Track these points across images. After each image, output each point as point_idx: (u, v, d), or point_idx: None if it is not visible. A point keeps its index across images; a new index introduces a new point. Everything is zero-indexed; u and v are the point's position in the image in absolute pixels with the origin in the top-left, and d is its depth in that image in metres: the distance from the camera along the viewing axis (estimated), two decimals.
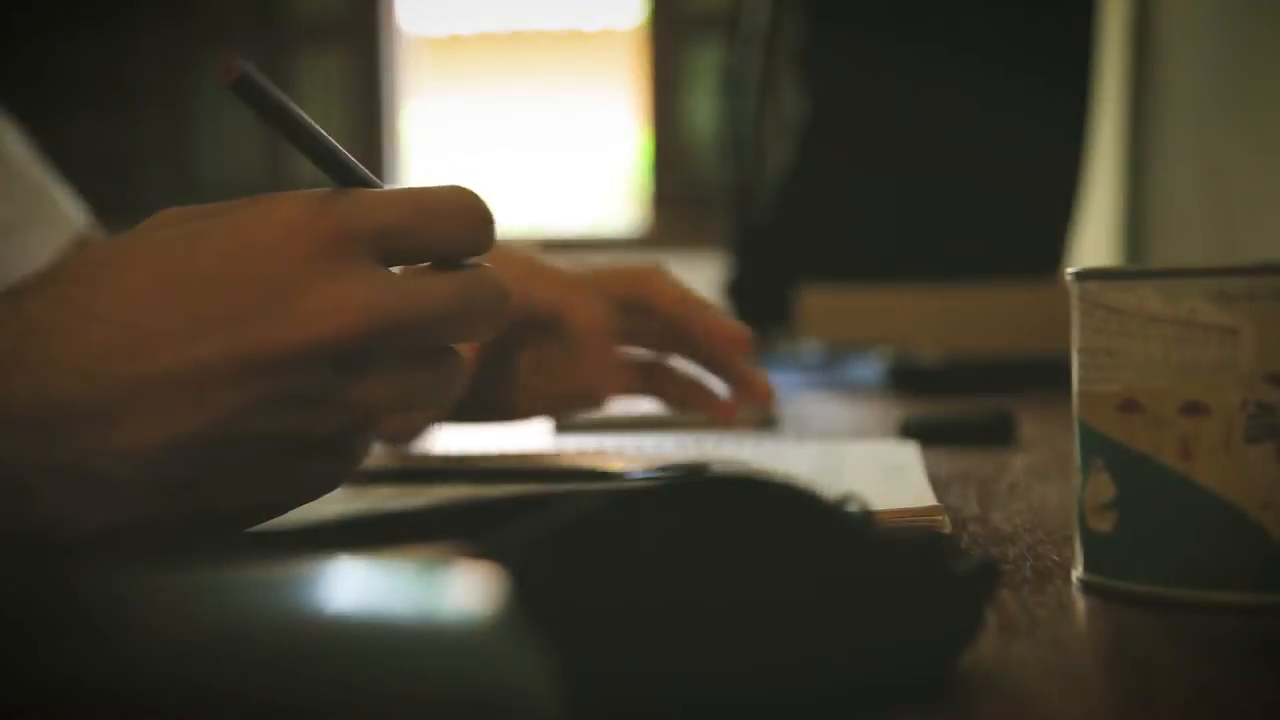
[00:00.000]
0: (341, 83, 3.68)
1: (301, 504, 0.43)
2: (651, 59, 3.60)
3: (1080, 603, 0.43)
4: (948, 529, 0.52)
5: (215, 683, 0.22)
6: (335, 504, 0.54)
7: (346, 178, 0.42)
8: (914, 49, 1.61)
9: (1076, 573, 0.46)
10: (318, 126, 0.41)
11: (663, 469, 0.64)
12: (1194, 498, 0.41)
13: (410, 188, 0.41)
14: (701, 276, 3.00)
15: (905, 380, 1.27)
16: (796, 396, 1.25)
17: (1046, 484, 0.68)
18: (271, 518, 0.43)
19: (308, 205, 0.39)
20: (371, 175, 0.43)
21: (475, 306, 0.41)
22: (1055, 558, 0.50)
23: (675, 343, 0.71)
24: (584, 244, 3.55)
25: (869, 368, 1.41)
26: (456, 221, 0.41)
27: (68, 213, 0.92)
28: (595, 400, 0.67)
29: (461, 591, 0.25)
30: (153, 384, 0.37)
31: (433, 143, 3.86)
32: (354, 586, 0.26)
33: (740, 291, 1.73)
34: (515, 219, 3.77)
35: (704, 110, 3.51)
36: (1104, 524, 0.44)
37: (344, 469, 0.42)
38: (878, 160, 1.62)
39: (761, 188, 1.74)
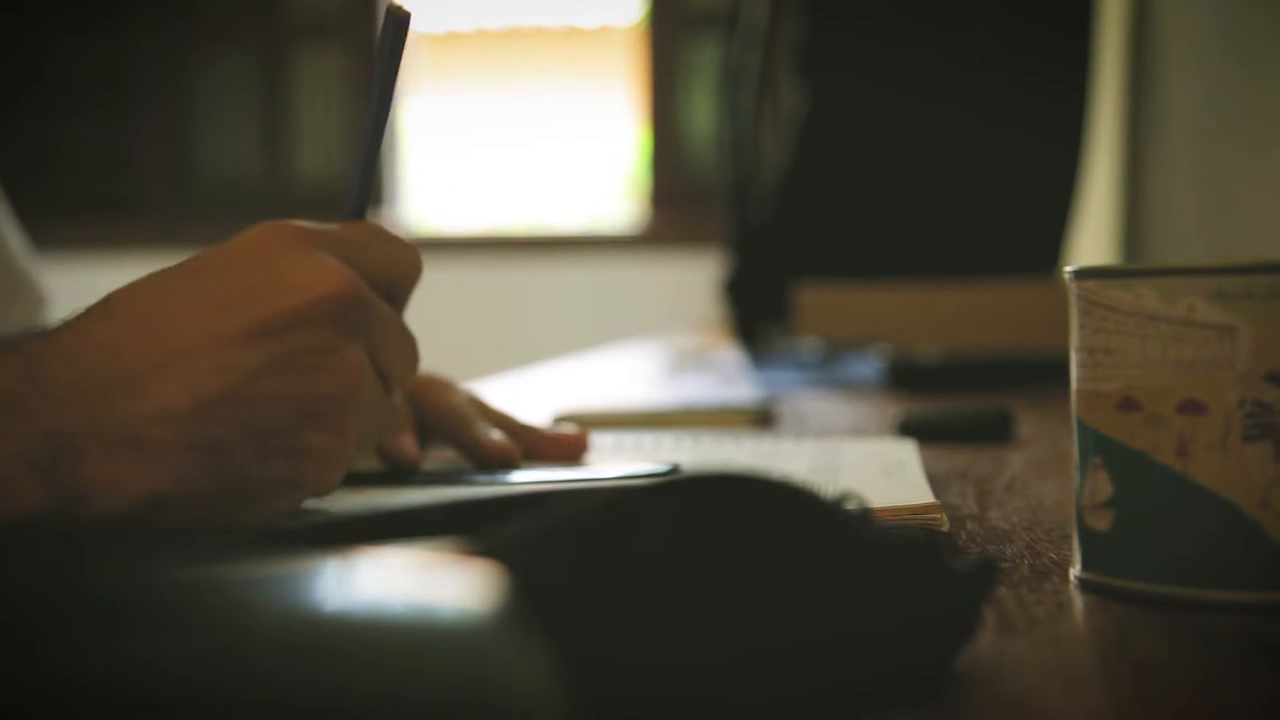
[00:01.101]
0: (340, 79, 3.68)
1: (316, 484, 0.47)
2: (650, 56, 3.60)
3: (1078, 601, 0.43)
4: (945, 527, 0.52)
5: (213, 681, 0.22)
6: (335, 501, 0.54)
7: (373, 146, 0.52)
8: (913, 47, 1.61)
9: (1074, 571, 0.46)
10: (390, 112, 0.53)
11: (641, 470, 0.64)
12: (1192, 496, 0.41)
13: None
14: (699, 275, 3.01)
15: (903, 378, 1.27)
16: (794, 395, 1.25)
17: (1044, 482, 0.68)
18: (293, 499, 0.47)
19: (275, 221, 0.48)
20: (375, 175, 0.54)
21: (405, 331, 0.51)
22: (1053, 556, 0.50)
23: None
24: (582, 241, 3.55)
25: (867, 366, 1.41)
26: (397, 247, 0.51)
27: (40, 291, 0.91)
28: (395, 459, 0.68)
29: (461, 590, 0.25)
30: (174, 354, 0.43)
31: (431, 140, 3.86)
32: (353, 584, 0.26)
33: (738, 289, 1.73)
34: (514, 216, 3.77)
35: (702, 108, 3.51)
36: (1102, 522, 0.44)
37: (344, 445, 0.47)
38: (876, 158, 1.62)
39: (759, 186, 1.74)
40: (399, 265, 0.51)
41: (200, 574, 0.26)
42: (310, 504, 0.55)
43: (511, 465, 0.68)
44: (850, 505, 0.34)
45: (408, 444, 0.67)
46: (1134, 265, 0.43)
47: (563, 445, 0.72)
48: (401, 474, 0.65)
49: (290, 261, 0.46)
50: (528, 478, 0.65)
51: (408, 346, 0.51)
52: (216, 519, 0.45)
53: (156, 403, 0.42)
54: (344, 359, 0.46)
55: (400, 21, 0.52)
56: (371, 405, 0.48)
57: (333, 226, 0.49)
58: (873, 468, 0.64)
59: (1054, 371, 0.73)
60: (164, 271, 0.46)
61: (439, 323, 2.51)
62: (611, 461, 0.70)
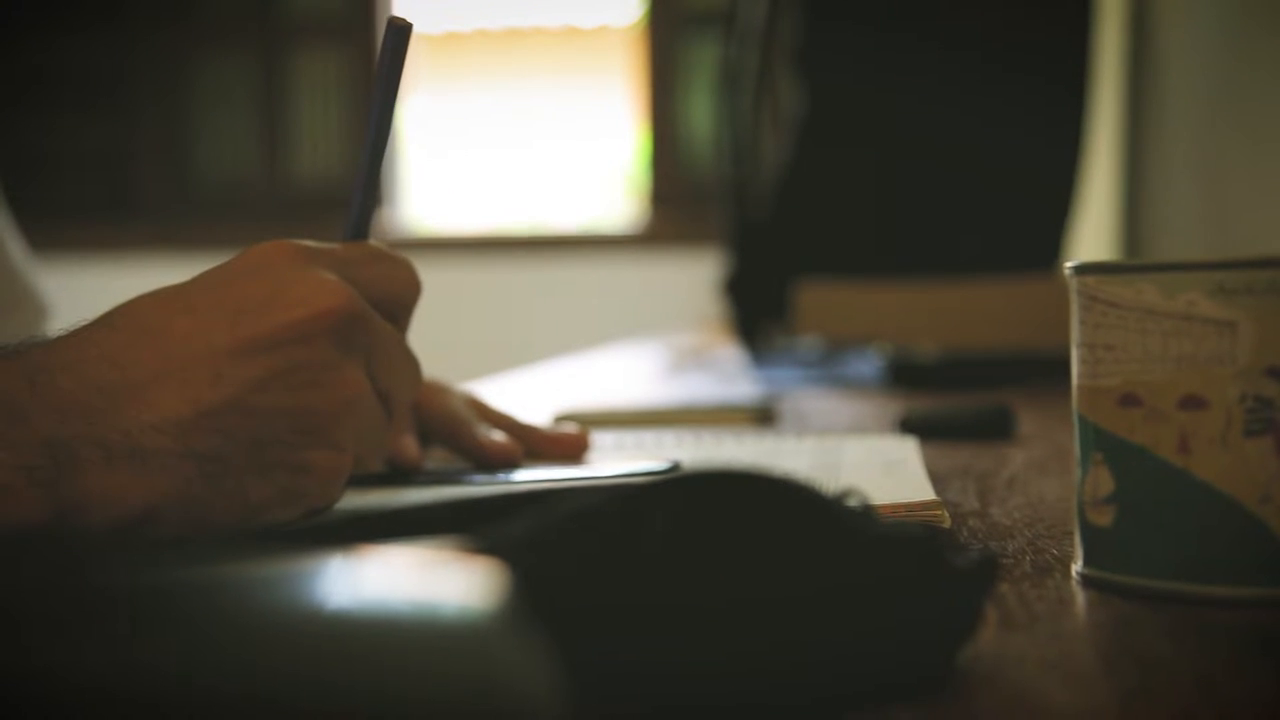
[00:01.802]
0: (339, 80, 3.68)
1: (313, 499, 0.47)
2: (648, 56, 3.60)
3: (1080, 597, 0.43)
4: (947, 524, 0.52)
5: (215, 680, 0.22)
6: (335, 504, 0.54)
7: (373, 164, 0.52)
8: (911, 45, 1.61)
9: (1076, 567, 0.46)
10: (393, 124, 0.52)
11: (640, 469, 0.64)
12: (1193, 491, 0.41)
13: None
14: (699, 273, 3.01)
15: (904, 376, 1.27)
16: (795, 393, 1.25)
17: (1046, 478, 0.68)
18: (293, 510, 0.47)
19: (277, 240, 0.48)
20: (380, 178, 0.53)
21: (405, 349, 0.51)
22: (1054, 552, 0.50)
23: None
24: (581, 241, 3.55)
25: (867, 364, 1.41)
26: (396, 266, 0.51)
27: (41, 300, 0.91)
28: (397, 460, 0.68)
29: (463, 588, 0.25)
30: (175, 365, 0.43)
31: (430, 139, 3.85)
32: (356, 583, 0.26)
33: (738, 288, 1.73)
34: (513, 216, 3.77)
35: (701, 107, 3.51)
36: (1103, 518, 0.44)
37: (341, 461, 0.47)
38: (875, 157, 1.62)
39: (758, 184, 1.74)
40: (398, 284, 0.51)
41: (202, 573, 0.26)
42: None
43: (513, 465, 0.68)
44: (852, 502, 0.34)
45: (409, 445, 0.67)
46: (1134, 260, 0.43)
47: (564, 445, 0.72)
48: (403, 475, 0.66)
49: (292, 277, 0.46)
50: (529, 477, 0.65)
51: (409, 366, 0.51)
52: (214, 531, 0.45)
53: (157, 411, 0.42)
54: (343, 375, 0.46)
55: (401, 33, 0.51)
56: (370, 422, 0.48)
57: (333, 246, 0.49)
58: (874, 465, 0.64)
59: (1054, 368, 0.73)
60: (166, 287, 0.47)
61: (439, 323, 2.51)
62: (612, 460, 0.70)
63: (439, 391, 0.71)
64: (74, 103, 3.68)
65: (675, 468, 0.64)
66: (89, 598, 0.24)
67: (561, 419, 0.91)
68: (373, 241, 0.52)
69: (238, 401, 0.44)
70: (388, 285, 0.50)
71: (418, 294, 0.52)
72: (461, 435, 0.69)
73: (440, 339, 2.14)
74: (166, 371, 0.43)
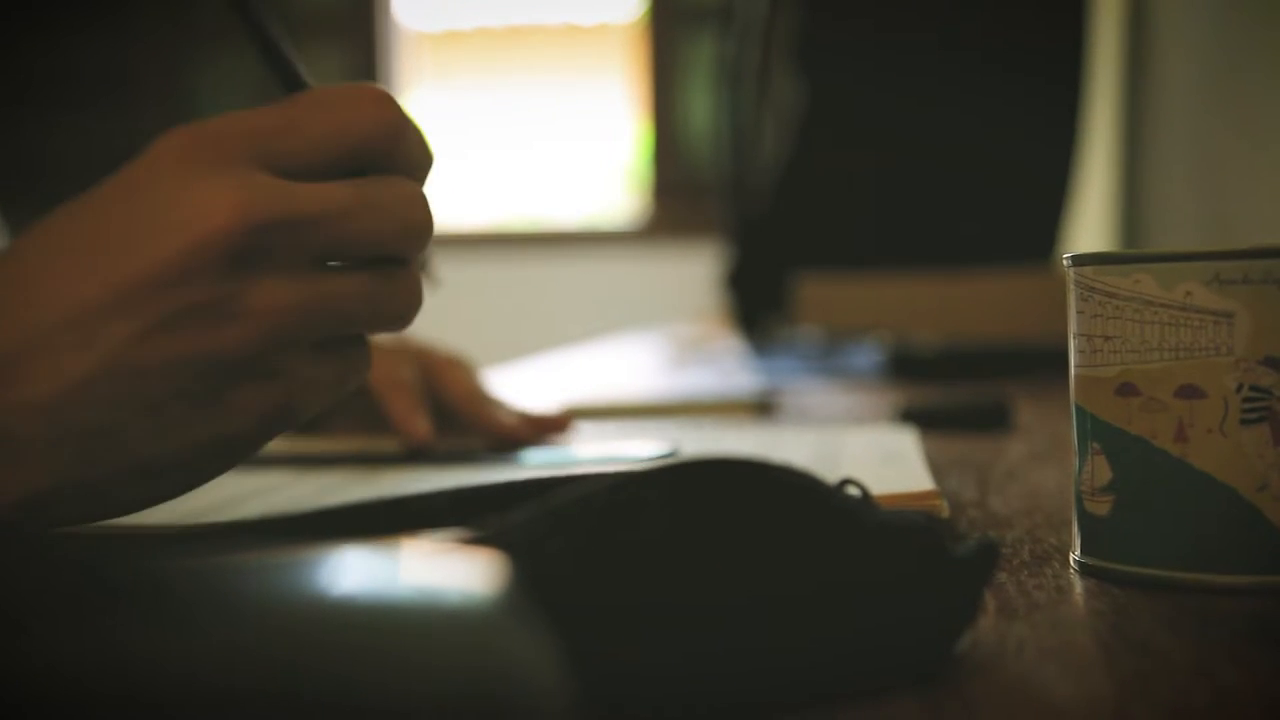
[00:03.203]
0: (340, 77, 3.68)
1: (256, 442, 0.41)
2: (649, 52, 3.60)
3: (1078, 585, 0.43)
4: (946, 514, 0.52)
5: (214, 673, 0.22)
6: (337, 492, 0.54)
7: (290, 80, 0.42)
8: (909, 40, 1.61)
9: (1074, 555, 0.46)
10: (280, 40, 0.42)
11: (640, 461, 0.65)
12: (1190, 481, 0.41)
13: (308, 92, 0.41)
14: (700, 267, 3.00)
15: (903, 367, 1.27)
16: (795, 384, 1.25)
17: (1044, 468, 0.68)
18: (221, 464, 0.41)
19: (180, 129, 0.39)
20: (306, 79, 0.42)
21: (381, 206, 0.40)
22: (1053, 541, 0.50)
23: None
24: (583, 237, 3.55)
25: (867, 355, 1.41)
26: (348, 111, 0.40)
27: None
28: (408, 440, 0.68)
29: (464, 577, 0.25)
30: (41, 332, 0.37)
31: (431, 137, 3.85)
32: (356, 573, 0.26)
33: (738, 281, 1.73)
34: (515, 212, 3.77)
35: (701, 102, 3.51)
36: (1101, 507, 0.44)
37: (283, 393, 0.40)
38: (874, 150, 1.62)
39: (759, 178, 1.74)
40: (358, 129, 0.40)
41: (200, 564, 0.26)
42: (311, 495, 0.55)
43: (524, 446, 0.70)
44: (851, 492, 0.34)
45: (420, 424, 0.67)
46: (1132, 251, 0.44)
47: (543, 427, 0.73)
48: (414, 455, 0.66)
49: (170, 195, 0.38)
50: (537, 459, 0.66)
51: (398, 218, 0.41)
52: (122, 504, 0.40)
53: (22, 391, 0.36)
54: (248, 304, 0.38)
55: None
56: (323, 326, 0.40)
57: (254, 116, 0.39)
58: (873, 456, 0.64)
59: (1051, 359, 0.73)
60: (65, 212, 0.39)
61: (442, 320, 2.50)
62: (613, 442, 0.71)
63: (462, 370, 0.72)
64: (75, 102, 3.68)
65: (673, 453, 0.64)
66: (87, 592, 0.24)
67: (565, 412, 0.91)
68: (318, 89, 0.41)
69: (114, 364, 0.37)
70: (343, 138, 0.40)
71: (391, 130, 0.41)
72: (481, 414, 0.70)
73: (443, 336, 2.14)
74: (33, 341, 0.37)
